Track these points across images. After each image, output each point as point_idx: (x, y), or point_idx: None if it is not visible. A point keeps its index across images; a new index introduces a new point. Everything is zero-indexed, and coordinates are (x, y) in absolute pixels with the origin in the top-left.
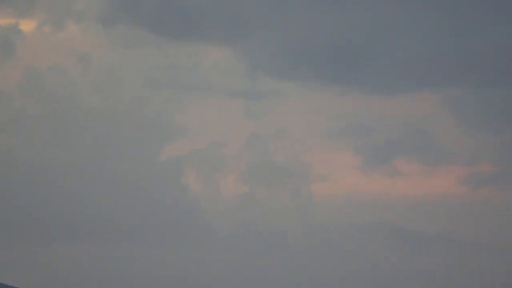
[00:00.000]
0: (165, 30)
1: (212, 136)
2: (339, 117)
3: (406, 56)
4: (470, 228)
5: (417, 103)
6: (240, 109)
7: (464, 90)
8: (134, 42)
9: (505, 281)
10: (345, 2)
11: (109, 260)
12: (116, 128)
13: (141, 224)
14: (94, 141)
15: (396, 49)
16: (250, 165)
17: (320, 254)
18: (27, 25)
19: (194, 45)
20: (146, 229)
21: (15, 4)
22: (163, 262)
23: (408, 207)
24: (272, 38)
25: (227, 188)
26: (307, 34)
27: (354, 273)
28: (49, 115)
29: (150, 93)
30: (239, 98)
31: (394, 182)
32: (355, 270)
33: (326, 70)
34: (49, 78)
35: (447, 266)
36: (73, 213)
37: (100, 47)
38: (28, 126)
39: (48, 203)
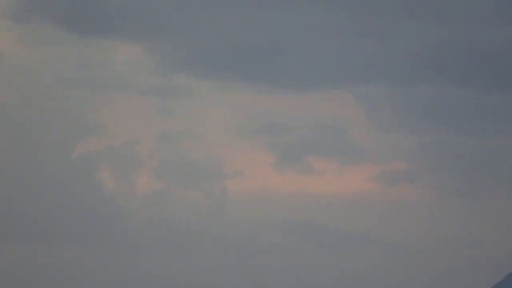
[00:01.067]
0: (78, 27)
1: (126, 133)
2: (253, 115)
3: (320, 55)
4: (382, 226)
5: (331, 101)
6: (153, 106)
7: (378, 89)
8: (46, 39)
9: (417, 278)
10: (260, 4)
11: (16, 260)
12: (29, 125)
13: (54, 222)
14: (7, 138)
15: (310, 48)
16: (164, 162)
17: (235, 251)
18: None
19: (106, 43)
20: (59, 227)
21: None
22: (77, 262)
23: (322, 205)
24: (185, 36)
25: (141, 186)
26: (221, 33)
27: (268, 270)
28: None
29: (63, 91)
30: (152, 95)
31: (307, 179)
32: (269, 267)
33: (240, 69)
34: None
35: (358, 263)
36: None
37: (13, 44)
38: None
39: None
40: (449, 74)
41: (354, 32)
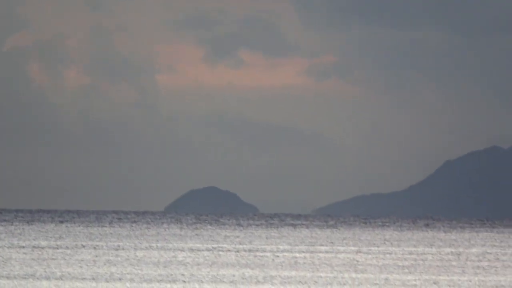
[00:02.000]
0: None
1: (56, 27)
2: (181, 8)
3: None
4: (314, 120)
5: None
6: (81, 0)
7: None
8: None
9: (347, 170)
10: None
11: None
12: None
13: None
14: None
15: None
16: (94, 57)
17: (165, 145)
18: None
19: None
20: None
21: None
22: (6, 155)
23: (252, 99)
24: None
25: (71, 80)
26: None
27: (200, 164)
28: None
29: None
30: None
31: (238, 73)
32: (201, 161)
33: None
34: None
35: (292, 157)
36: None
37: None
38: None
39: None
40: None
41: None
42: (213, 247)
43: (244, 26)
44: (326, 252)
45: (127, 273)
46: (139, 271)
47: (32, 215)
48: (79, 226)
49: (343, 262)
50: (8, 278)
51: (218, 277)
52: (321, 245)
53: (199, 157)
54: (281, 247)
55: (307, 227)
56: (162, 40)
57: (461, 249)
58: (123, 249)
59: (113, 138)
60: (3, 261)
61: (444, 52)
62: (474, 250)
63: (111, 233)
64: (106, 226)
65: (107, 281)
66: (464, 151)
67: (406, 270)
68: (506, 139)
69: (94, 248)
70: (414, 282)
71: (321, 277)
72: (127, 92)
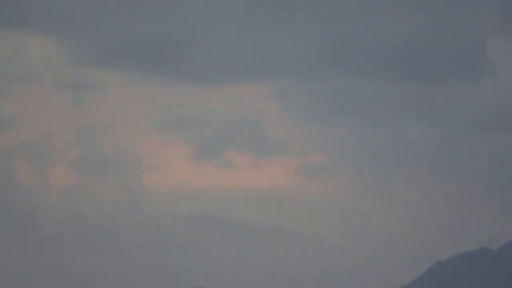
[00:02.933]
0: None
1: (41, 128)
2: (167, 108)
3: (232, 48)
4: (301, 220)
5: (245, 94)
6: (67, 100)
7: (290, 82)
8: None
9: (336, 271)
10: None
11: None
12: None
13: None
14: None
15: (222, 41)
16: (80, 157)
17: (152, 248)
18: None
19: (16, 35)
20: None
21: None
22: None
23: (241, 199)
24: (96, 29)
25: (57, 181)
26: (132, 26)
27: (188, 266)
28: None
29: None
30: (66, 89)
31: (225, 174)
32: (188, 263)
33: (152, 61)
34: None
35: (280, 258)
36: None
37: None
38: None
39: None
40: (359, 67)
41: (265, 25)
42: None
43: (229, 125)
44: None
45: None
46: None
47: None
48: None
49: None
50: None
51: None
52: None
53: (186, 258)
54: None
55: None
56: (148, 139)
57: None
58: None
59: (100, 239)
60: None
61: (432, 151)
62: None
63: None
64: None
65: None
66: (454, 252)
67: None
68: (494, 241)
69: None
70: None
71: None
72: (113, 192)
